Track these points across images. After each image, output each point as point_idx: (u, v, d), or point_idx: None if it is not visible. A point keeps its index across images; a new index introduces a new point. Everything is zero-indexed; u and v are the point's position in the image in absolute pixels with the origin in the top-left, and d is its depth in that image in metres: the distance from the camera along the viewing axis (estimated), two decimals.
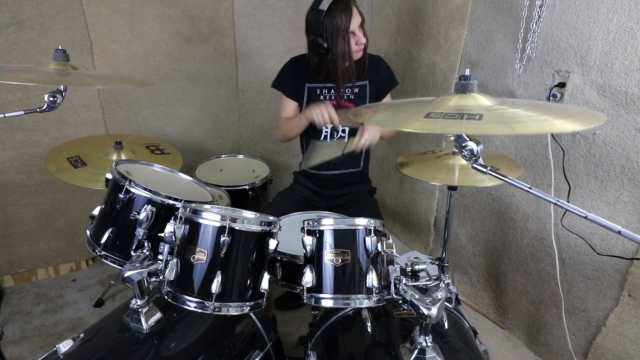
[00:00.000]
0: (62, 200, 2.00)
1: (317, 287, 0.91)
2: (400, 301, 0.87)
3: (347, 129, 1.60)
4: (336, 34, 1.40)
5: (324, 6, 1.39)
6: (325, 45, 1.42)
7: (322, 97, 1.59)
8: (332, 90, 1.59)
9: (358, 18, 1.44)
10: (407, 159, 1.28)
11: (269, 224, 0.93)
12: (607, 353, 1.44)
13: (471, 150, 0.75)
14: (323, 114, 1.39)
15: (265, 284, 0.92)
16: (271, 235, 0.94)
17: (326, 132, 1.62)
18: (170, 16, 2.02)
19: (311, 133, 1.65)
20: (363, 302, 0.90)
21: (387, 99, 1.69)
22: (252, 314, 1.12)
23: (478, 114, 0.75)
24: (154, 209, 1.01)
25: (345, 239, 0.92)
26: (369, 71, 1.59)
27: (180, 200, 1.03)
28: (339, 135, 1.61)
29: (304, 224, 0.95)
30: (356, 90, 1.59)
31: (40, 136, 1.87)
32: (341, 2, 1.39)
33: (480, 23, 1.74)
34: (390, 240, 0.97)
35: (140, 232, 1.00)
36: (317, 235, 0.92)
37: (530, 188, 0.69)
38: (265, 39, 2.31)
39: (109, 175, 1.08)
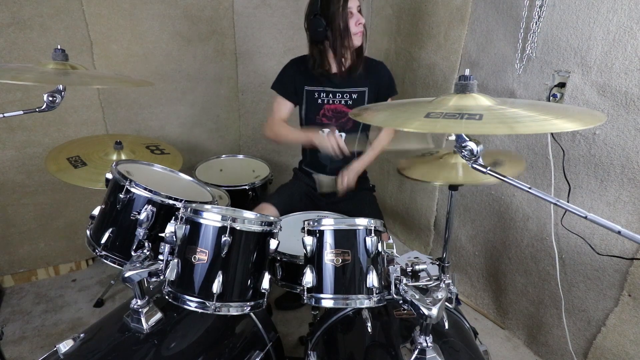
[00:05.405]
0: (62, 200, 1.99)
1: (318, 287, 0.91)
2: (401, 301, 0.87)
3: (344, 135, 1.59)
4: (334, 9, 1.41)
5: None
6: (324, 22, 1.43)
7: (320, 101, 1.59)
8: (332, 95, 1.58)
9: (356, 0, 1.45)
10: (408, 162, 1.29)
11: (270, 224, 0.93)
12: (607, 353, 1.44)
13: (471, 151, 0.75)
14: (334, 147, 1.42)
15: (265, 284, 0.92)
16: (272, 235, 0.94)
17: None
18: (170, 16, 2.02)
19: None
20: (363, 302, 0.90)
21: (386, 138, 1.68)
22: (252, 314, 1.12)
23: (478, 114, 0.75)
24: (155, 209, 1.02)
25: (345, 239, 0.92)
26: (370, 77, 1.58)
27: (181, 200, 1.03)
28: None
29: (304, 224, 0.95)
30: (355, 96, 1.58)
31: (40, 136, 1.87)
32: None
33: (480, 23, 1.74)
34: (390, 240, 0.98)
35: (140, 232, 1.00)
36: (318, 235, 0.93)
37: (530, 188, 0.69)
38: (265, 39, 2.31)
39: (109, 175, 1.08)
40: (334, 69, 1.54)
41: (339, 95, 1.58)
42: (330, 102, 1.58)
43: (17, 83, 1.02)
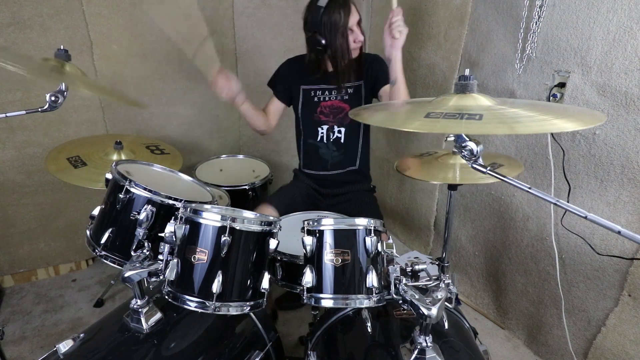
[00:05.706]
0: (62, 200, 1.99)
1: (317, 287, 0.91)
2: (400, 301, 0.87)
3: (343, 130, 1.60)
4: (335, 30, 1.40)
5: (323, 2, 1.39)
6: (324, 41, 1.42)
7: (316, 99, 1.59)
8: (327, 92, 1.59)
9: (356, 15, 1.44)
10: (407, 162, 1.29)
11: (269, 223, 0.93)
12: (607, 353, 1.44)
13: (471, 150, 0.75)
14: (223, 89, 1.55)
15: (265, 284, 0.92)
16: (271, 235, 0.94)
17: (322, 133, 1.62)
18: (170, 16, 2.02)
19: (307, 134, 1.65)
20: (363, 302, 0.90)
21: (404, 94, 1.45)
22: (252, 314, 1.12)
23: (478, 114, 0.76)
24: (154, 209, 1.01)
25: (345, 239, 0.92)
26: (365, 71, 1.58)
27: (181, 200, 1.03)
28: (335, 137, 1.61)
29: (304, 224, 0.95)
30: (351, 90, 1.58)
31: (40, 136, 1.87)
32: None
33: (480, 23, 1.74)
34: (390, 240, 0.98)
35: (140, 232, 1.00)
36: (317, 235, 0.92)
37: (530, 188, 0.69)
38: (265, 39, 2.31)
39: (109, 175, 1.08)
40: (330, 69, 1.55)
41: (335, 92, 1.58)
42: (327, 99, 1.59)
43: (4, 67, 0.96)
